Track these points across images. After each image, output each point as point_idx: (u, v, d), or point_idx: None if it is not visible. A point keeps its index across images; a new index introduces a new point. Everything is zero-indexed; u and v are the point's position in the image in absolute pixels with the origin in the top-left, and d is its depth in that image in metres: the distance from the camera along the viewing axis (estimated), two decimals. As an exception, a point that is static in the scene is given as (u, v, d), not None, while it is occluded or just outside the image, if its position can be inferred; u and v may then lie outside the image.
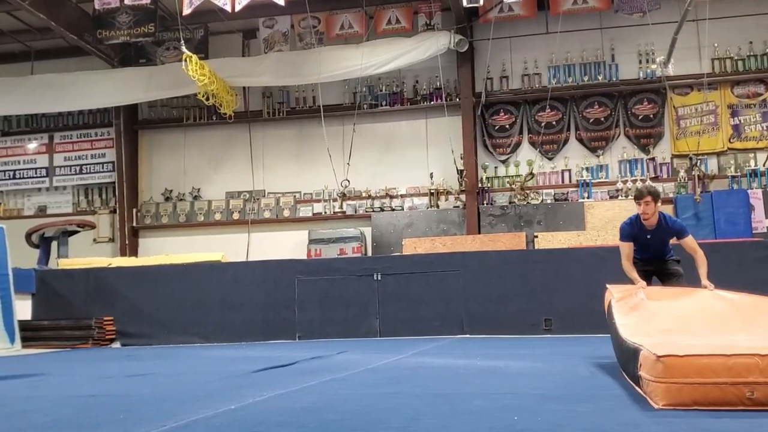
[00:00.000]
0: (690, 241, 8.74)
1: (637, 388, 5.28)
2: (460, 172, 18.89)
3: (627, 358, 5.78)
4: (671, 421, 4.25)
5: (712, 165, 18.52)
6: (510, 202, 18.75)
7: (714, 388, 4.53)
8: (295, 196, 20.13)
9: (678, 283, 8.84)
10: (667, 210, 17.96)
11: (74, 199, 21.67)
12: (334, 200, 19.73)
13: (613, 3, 18.13)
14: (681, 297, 7.56)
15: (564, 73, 19.20)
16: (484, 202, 18.88)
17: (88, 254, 18.61)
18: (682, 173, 18.36)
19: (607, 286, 8.24)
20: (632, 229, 8.90)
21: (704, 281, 8.18)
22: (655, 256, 9.07)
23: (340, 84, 19.83)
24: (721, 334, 6.12)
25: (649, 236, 8.87)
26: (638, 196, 8.76)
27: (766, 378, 4.46)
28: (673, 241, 8.95)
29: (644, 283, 8.38)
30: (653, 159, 18.70)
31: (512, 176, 19.24)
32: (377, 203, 19.58)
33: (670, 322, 6.63)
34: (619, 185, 18.46)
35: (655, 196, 8.71)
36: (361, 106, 19.66)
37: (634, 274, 8.58)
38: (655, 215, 8.71)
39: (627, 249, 8.81)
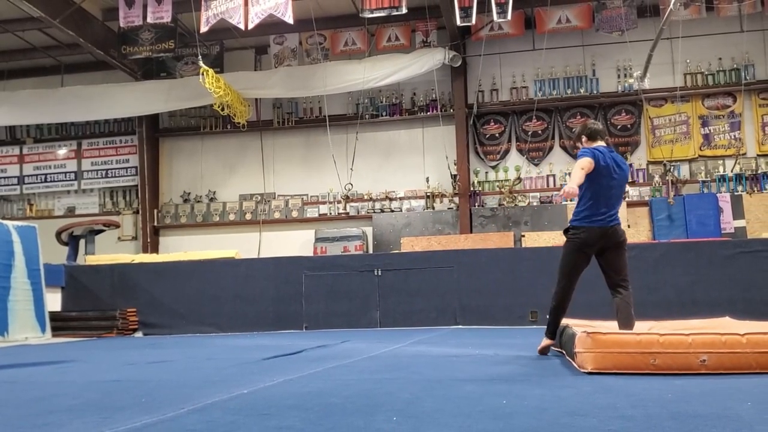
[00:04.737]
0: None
1: (573, 362, 6.22)
2: (453, 177, 18.90)
3: (569, 341, 6.64)
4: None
5: (685, 171, 18.53)
6: (499, 205, 18.75)
7: (628, 357, 5.70)
8: (302, 199, 20.11)
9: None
10: (643, 212, 18.05)
11: (100, 200, 21.64)
12: (338, 202, 19.71)
13: (594, 22, 18.18)
14: None
15: (549, 86, 19.19)
16: (476, 204, 18.87)
17: (113, 251, 18.62)
18: (656, 178, 18.36)
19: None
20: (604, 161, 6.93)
21: None
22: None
23: (344, 96, 19.82)
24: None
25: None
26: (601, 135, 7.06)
27: (665, 350, 5.64)
28: None
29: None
30: (630, 165, 18.62)
31: (501, 180, 19.24)
32: (378, 205, 19.54)
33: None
34: (599, 189, 18.41)
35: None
36: (363, 116, 19.66)
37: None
38: None
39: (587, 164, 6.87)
